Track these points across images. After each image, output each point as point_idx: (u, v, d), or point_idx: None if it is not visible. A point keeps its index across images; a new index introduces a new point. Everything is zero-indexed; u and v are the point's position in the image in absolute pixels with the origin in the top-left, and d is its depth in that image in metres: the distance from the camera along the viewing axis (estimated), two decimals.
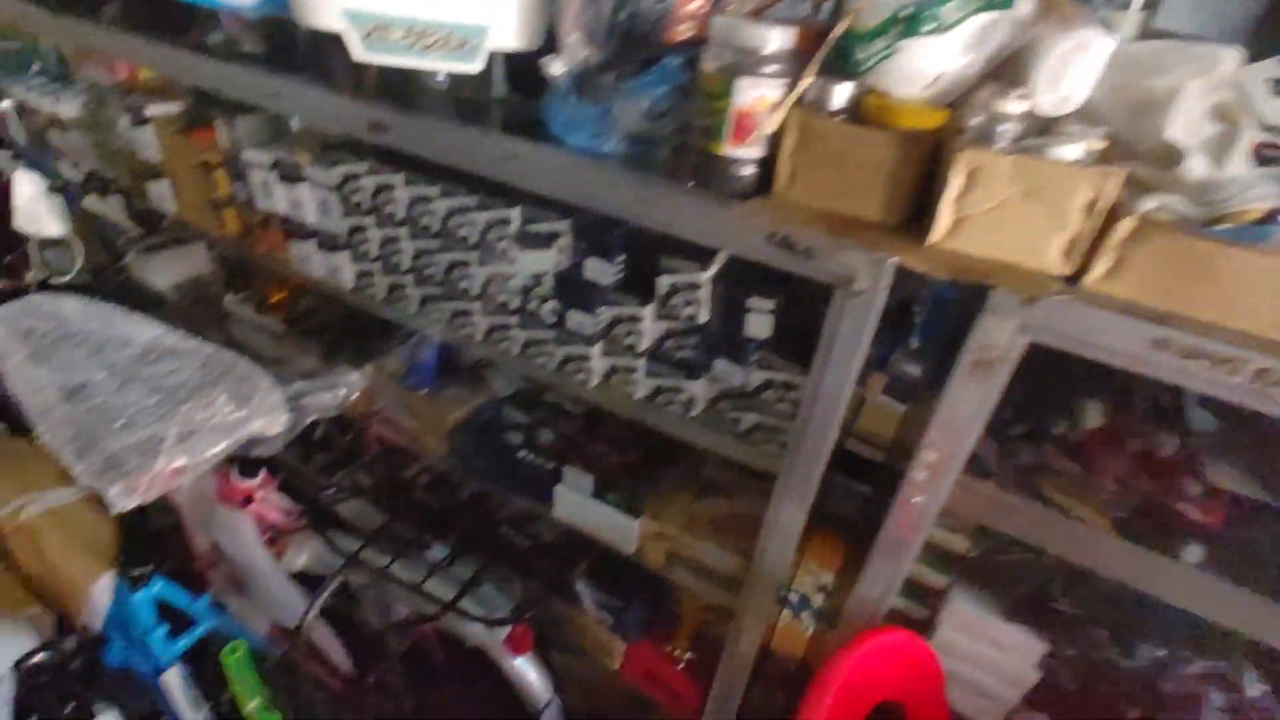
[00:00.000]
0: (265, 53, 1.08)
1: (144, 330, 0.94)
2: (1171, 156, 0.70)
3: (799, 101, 0.76)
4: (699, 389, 0.94)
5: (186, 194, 1.29)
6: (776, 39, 0.73)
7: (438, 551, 1.36)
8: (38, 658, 1.08)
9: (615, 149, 0.90)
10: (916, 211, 0.75)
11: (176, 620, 1.23)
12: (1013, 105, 0.71)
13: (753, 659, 1.09)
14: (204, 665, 1.28)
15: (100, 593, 1.16)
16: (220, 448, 0.88)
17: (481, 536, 1.37)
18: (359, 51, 0.87)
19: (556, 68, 0.87)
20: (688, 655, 1.26)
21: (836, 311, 0.76)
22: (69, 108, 1.38)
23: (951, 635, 0.91)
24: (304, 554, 1.33)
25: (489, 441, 1.25)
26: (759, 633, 1.06)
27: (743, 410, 0.92)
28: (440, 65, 0.89)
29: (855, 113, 0.76)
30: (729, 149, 0.78)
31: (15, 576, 1.20)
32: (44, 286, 1.48)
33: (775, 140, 0.78)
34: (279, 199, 1.15)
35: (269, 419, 0.95)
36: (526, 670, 1.23)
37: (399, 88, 0.96)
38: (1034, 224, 0.68)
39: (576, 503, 1.14)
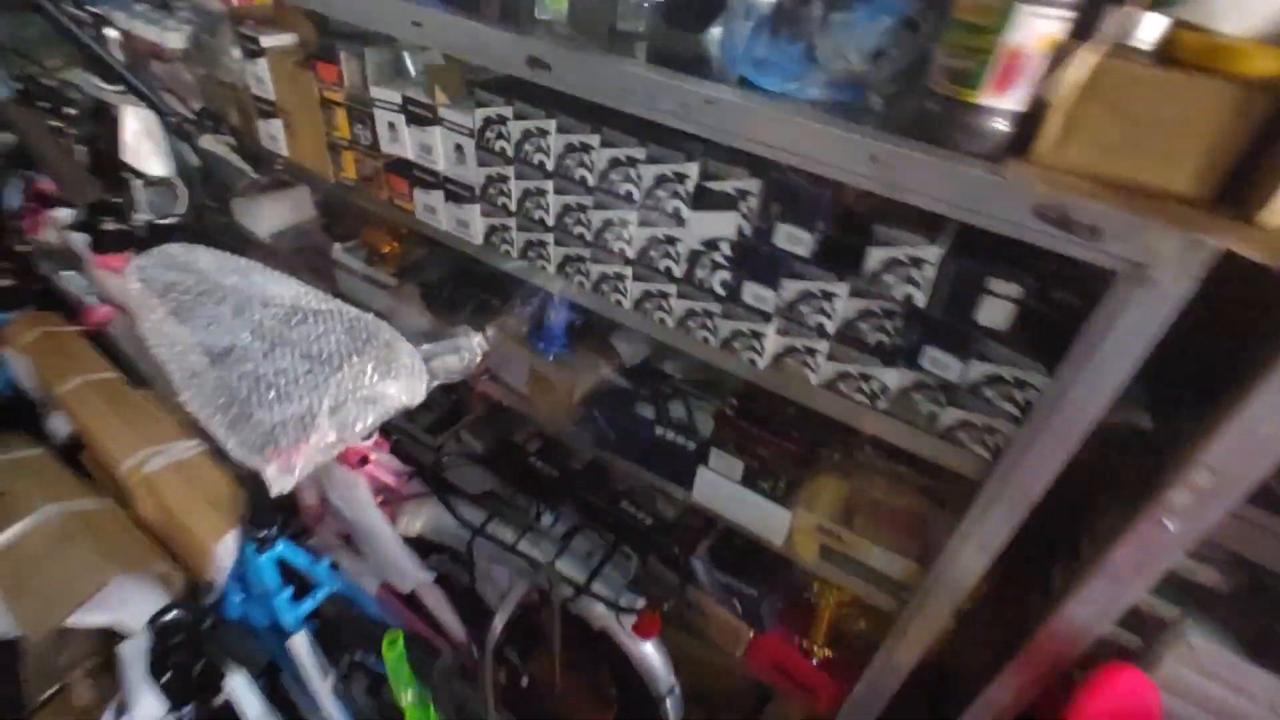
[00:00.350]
0: None
1: (283, 288, 0.86)
2: None
3: (1086, 36, 0.61)
4: (893, 377, 0.82)
5: (302, 134, 1.20)
6: None
7: (550, 520, 1.30)
8: (170, 615, 1.07)
9: (818, 94, 0.76)
10: (1234, 184, 0.60)
11: (295, 580, 1.21)
12: None
13: (910, 668, 1.00)
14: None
15: (224, 551, 1.14)
16: (369, 421, 0.81)
17: (601, 510, 1.30)
18: None
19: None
20: (825, 651, 1.18)
21: (1117, 304, 0.63)
22: (175, 37, 1.30)
23: (1178, 672, 0.80)
24: (419, 519, 1.29)
25: (621, 414, 1.16)
26: (923, 643, 0.96)
27: (944, 404, 0.80)
28: None
29: (1163, 53, 0.61)
30: (988, 97, 0.64)
31: (142, 531, 1.19)
32: (152, 229, 1.43)
33: (1044, 90, 0.63)
34: (407, 143, 1.05)
35: (412, 390, 0.87)
36: (653, 656, 1.17)
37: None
38: None
39: (721, 489, 1.05)
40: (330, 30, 1.12)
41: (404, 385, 0.86)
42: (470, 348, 1.15)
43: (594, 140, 0.87)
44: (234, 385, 0.75)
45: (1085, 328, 0.65)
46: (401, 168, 1.09)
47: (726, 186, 0.81)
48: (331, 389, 0.77)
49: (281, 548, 1.15)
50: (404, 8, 0.90)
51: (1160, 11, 0.60)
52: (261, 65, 1.15)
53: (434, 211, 1.10)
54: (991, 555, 0.83)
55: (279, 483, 0.72)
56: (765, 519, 1.03)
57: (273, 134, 1.24)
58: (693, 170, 0.82)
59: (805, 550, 1.04)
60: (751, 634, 1.23)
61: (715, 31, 0.84)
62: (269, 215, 1.47)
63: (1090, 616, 0.81)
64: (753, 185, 0.79)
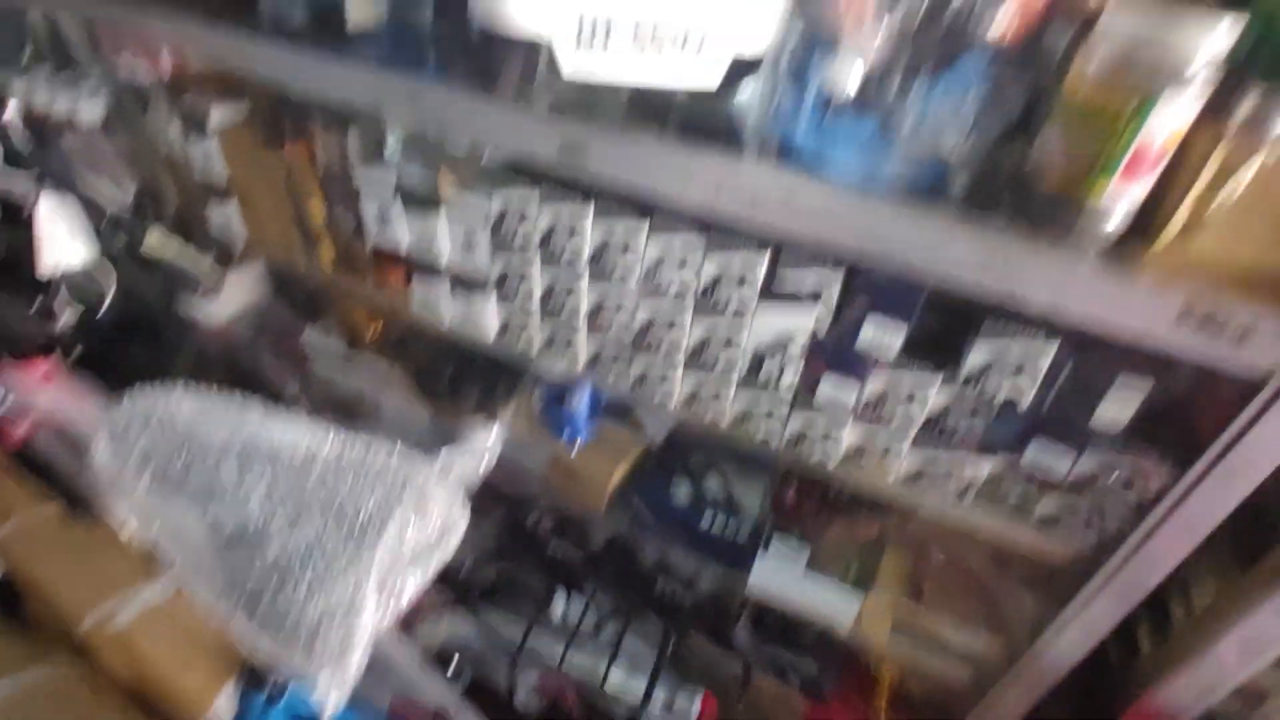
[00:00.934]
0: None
1: (291, 431, 0.72)
2: None
3: (1223, 122, 0.56)
4: (987, 469, 0.77)
5: (265, 219, 1.04)
6: (1218, 37, 0.52)
7: (580, 609, 1.21)
8: None
9: (897, 177, 0.69)
10: None
11: None
12: None
13: None
14: None
15: (223, 708, 0.99)
16: (416, 588, 0.69)
17: (637, 592, 1.21)
18: (571, 62, 0.63)
19: (846, 72, 0.65)
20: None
21: (1261, 409, 0.58)
22: (91, 108, 1.10)
23: None
24: (441, 628, 1.17)
25: (658, 495, 1.08)
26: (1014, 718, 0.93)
27: (1043, 493, 0.76)
28: (669, 79, 0.66)
29: None
30: (1110, 192, 0.58)
31: (115, 694, 1.02)
32: (79, 330, 1.23)
33: (1168, 174, 0.58)
34: (402, 231, 0.92)
35: (453, 533, 0.76)
36: None
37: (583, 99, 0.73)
38: None
39: (782, 576, 0.98)
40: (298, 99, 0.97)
41: (448, 531, 0.75)
42: (488, 446, 1.04)
43: (640, 229, 0.77)
44: (256, 573, 0.62)
45: (1225, 430, 0.61)
46: (394, 256, 0.96)
47: (802, 282, 0.73)
48: (376, 561, 0.65)
49: (291, 693, 1.01)
50: (391, 83, 0.77)
51: None
52: (210, 145, 0.99)
53: (435, 304, 0.97)
54: (1096, 639, 0.80)
55: (333, 694, 0.60)
56: (832, 604, 0.97)
57: (226, 218, 1.07)
58: (760, 264, 0.73)
59: (876, 632, 0.98)
60: (806, 705, 1.18)
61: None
62: (223, 299, 1.29)
63: (1189, 700, 0.79)
64: (834, 277, 0.72)
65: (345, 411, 1.30)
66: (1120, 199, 0.59)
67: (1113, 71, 0.55)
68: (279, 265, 1.11)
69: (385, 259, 0.97)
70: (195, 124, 0.99)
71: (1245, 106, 0.55)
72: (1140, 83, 0.54)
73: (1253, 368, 0.57)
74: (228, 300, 1.30)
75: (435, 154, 0.86)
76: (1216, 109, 0.55)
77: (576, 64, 0.64)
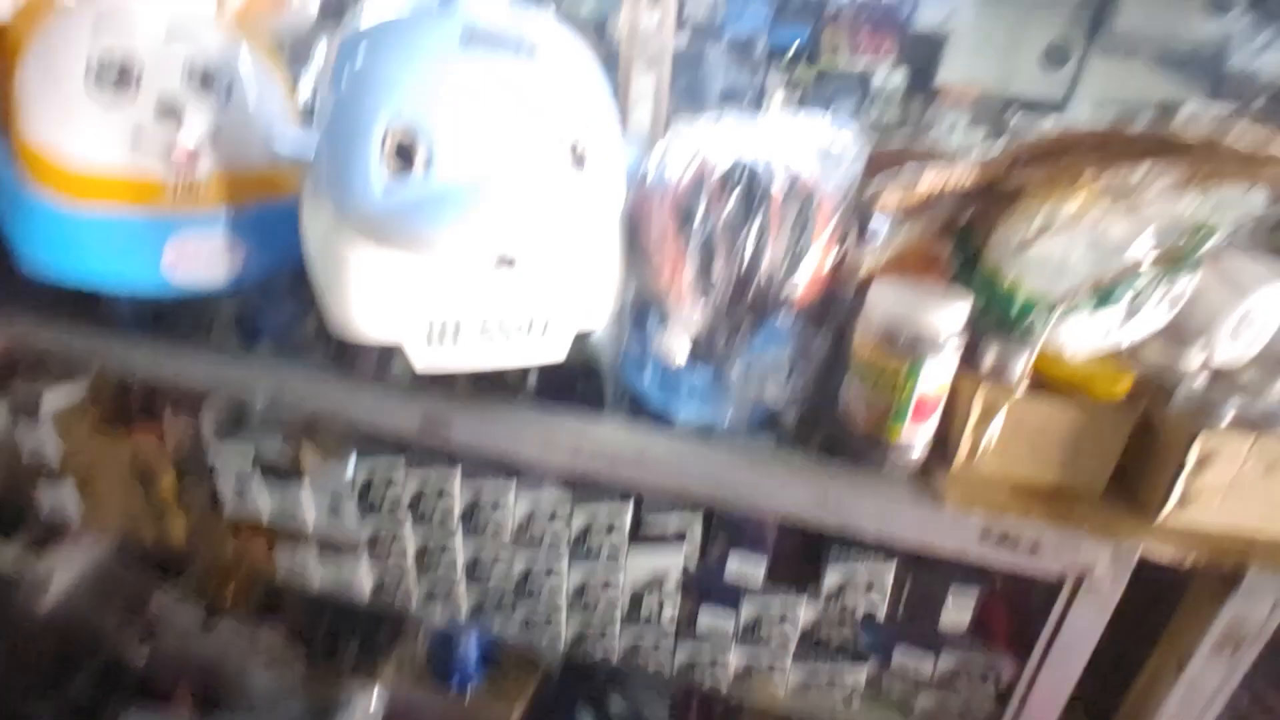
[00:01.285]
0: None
1: None
2: None
3: (976, 372, 0.68)
4: (865, 674, 0.80)
5: (106, 498, 0.97)
6: (959, 313, 0.65)
7: None
8: None
9: (734, 418, 0.77)
10: (1120, 475, 0.69)
11: None
12: (1195, 359, 0.68)
13: None
14: None
15: None
16: None
17: None
18: (423, 359, 0.68)
19: (675, 347, 0.73)
20: None
21: (1065, 605, 0.67)
22: None
23: None
24: None
25: None
26: None
27: (919, 691, 0.80)
28: (518, 360, 0.72)
29: (1034, 378, 0.70)
30: (906, 434, 0.68)
31: None
32: None
33: (947, 412, 0.70)
34: (263, 501, 0.89)
35: None
36: None
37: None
38: (1274, 495, 0.64)
39: None
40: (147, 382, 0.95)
41: None
42: (365, 712, 0.96)
43: (508, 488, 0.80)
44: None
45: (1047, 624, 0.69)
46: (255, 526, 0.92)
47: (666, 525, 0.77)
48: None
49: None
50: (250, 368, 0.79)
51: (1019, 340, 0.69)
52: (43, 430, 0.93)
53: (303, 568, 0.93)
54: None
55: None
56: None
57: (59, 499, 0.99)
58: (625, 512, 0.77)
59: None
60: None
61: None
62: (55, 574, 1.16)
63: None
64: (694, 518, 0.77)
65: (206, 681, 1.16)
66: (916, 436, 0.69)
67: (884, 340, 0.66)
68: (122, 543, 1.03)
69: (245, 528, 0.93)
70: (26, 410, 0.93)
71: (989, 358, 0.68)
72: (907, 350, 0.65)
73: (1049, 571, 0.66)
74: (63, 571, 1.17)
75: (295, 427, 0.86)
76: (970, 362, 0.68)
77: (428, 360, 0.68)
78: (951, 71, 1.44)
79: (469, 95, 0.62)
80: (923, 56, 1.44)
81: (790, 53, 1.59)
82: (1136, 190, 0.66)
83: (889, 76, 1.43)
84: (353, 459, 0.83)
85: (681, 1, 1.48)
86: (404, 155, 0.61)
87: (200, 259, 0.78)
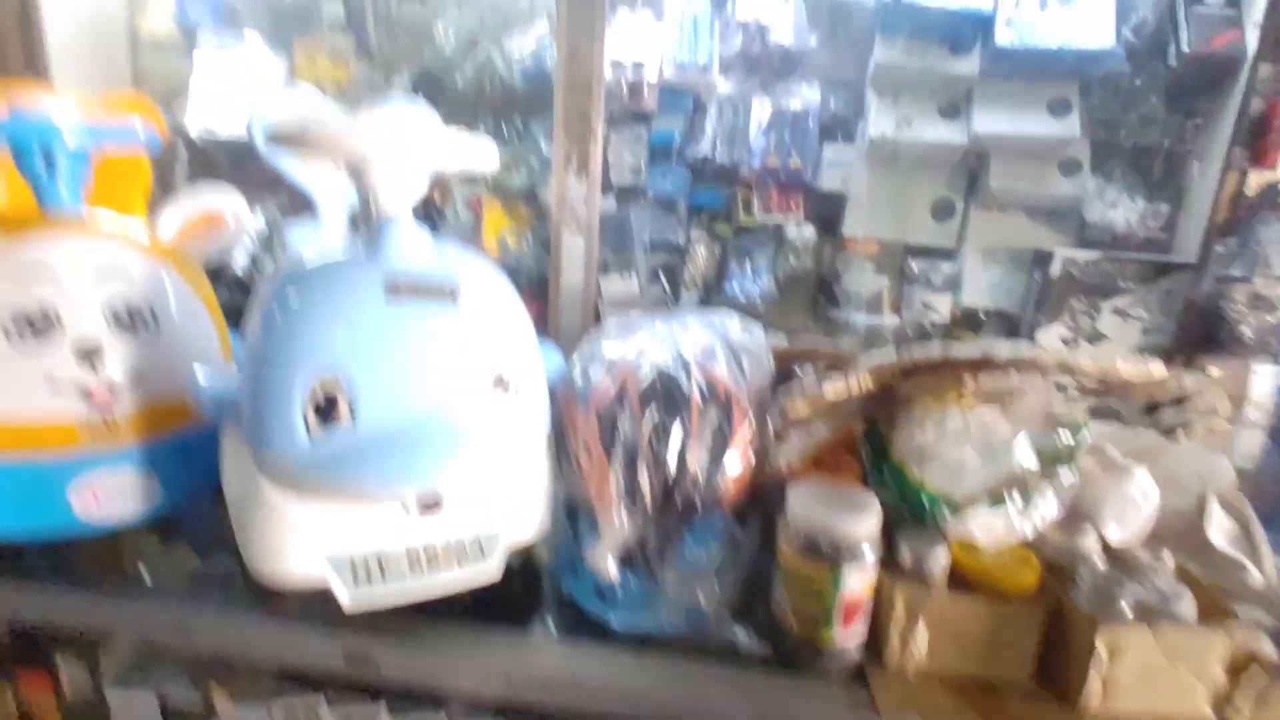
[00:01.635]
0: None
1: None
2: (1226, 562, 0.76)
3: (900, 571, 0.71)
4: None
5: None
6: (873, 520, 0.68)
7: None
8: None
9: (670, 624, 0.77)
10: (1046, 664, 0.71)
11: None
12: (1091, 543, 0.73)
13: None
14: None
15: None
16: None
17: None
18: (351, 599, 0.66)
19: (606, 559, 0.74)
20: None
21: None
22: None
23: None
24: None
25: None
26: None
27: None
28: (452, 587, 0.71)
29: (953, 572, 0.73)
30: (838, 637, 0.70)
31: None
32: None
33: (876, 613, 0.71)
34: None
35: None
36: None
37: None
38: (1181, 680, 0.67)
39: None
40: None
41: None
42: None
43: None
44: None
45: None
46: None
47: None
48: None
49: None
50: (155, 614, 0.74)
51: (936, 538, 0.73)
52: None
53: None
54: None
55: None
56: None
57: None
58: None
59: None
60: None
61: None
62: None
63: None
64: None
65: None
66: (849, 639, 0.70)
67: (805, 549, 0.69)
68: None
69: None
70: None
71: (907, 555, 0.71)
72: (828, 558, 0.67)
73: None
74: None
75: (204, 669, 0.80)
76: (889, 563, 0.71)
77: (355, 598, 0.67)
78: (854, 225, 1.60)
79: (392, 347, 0.64)
80: (828, 213, 1.59)
81: (709, 212, 1.73)
82: (1012, 394, 0.74)
83: (800, 230, 1.56)
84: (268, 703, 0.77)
85: (606, 170, 1.62)
86: (328, 405, 0.62)
87: (114, 494, 0.75)
